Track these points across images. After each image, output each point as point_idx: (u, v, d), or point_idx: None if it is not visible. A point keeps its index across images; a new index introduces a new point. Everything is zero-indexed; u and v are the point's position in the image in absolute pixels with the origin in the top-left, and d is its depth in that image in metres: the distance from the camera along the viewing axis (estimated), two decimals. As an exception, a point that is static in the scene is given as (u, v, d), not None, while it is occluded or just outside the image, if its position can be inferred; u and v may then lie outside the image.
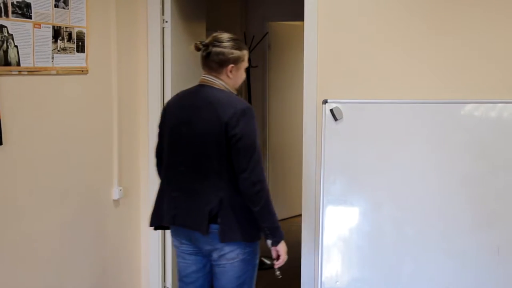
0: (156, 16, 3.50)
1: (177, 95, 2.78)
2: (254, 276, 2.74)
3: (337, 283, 3.08)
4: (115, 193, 3.32)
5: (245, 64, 2.61)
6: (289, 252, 3.25)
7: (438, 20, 2.99)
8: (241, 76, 2.63)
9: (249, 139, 2.50)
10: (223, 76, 2.60)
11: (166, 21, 3.53)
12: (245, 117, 2.50)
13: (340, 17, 3.13)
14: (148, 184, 3.58)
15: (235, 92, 2.63)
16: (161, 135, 2.74)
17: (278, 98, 6.32)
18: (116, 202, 3.37)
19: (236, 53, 2.61)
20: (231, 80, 2.61)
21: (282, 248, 2.65)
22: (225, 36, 2.66)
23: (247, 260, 2.64)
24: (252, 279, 2.73)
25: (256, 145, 2.51)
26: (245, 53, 2.61)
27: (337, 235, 3.08)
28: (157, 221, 2.69)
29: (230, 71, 2.59)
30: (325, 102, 3.06)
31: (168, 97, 3.57)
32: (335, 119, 3.04)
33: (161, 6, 3.51)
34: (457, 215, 2.94)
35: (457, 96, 2.98)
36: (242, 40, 2.68)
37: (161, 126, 2.73)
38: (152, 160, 3.56)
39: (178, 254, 2.72)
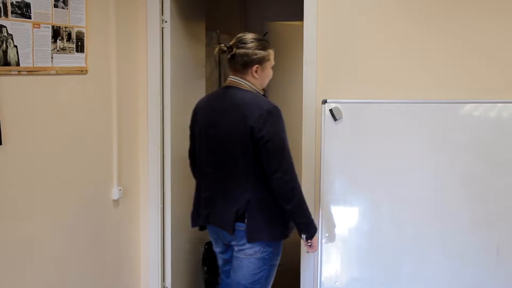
0: (156, 16, 3.50)
1: (206, 96, 2.88)
2: (270, 276, 2.78)
3: (336, 283, 3.08)
4: (115, 193, 3.33)
5: (270, 63, 2.68)
6: (288, 252, 3.25)
7: (437, 20, 2.99)
8: (268, 75, 2.70)
9: (278, 139, 2.54)
10: (249, 77, 2.65)
11: (166, 21, 3.53)
12: (271, 117, 2.56)
13: (340, 17, 3.13)
14: (148, 184, 3.58)
15: (262, 92, 2.67)
16: (192, 137, 2.86)
17: (277, 98, 6.30)
18: (116, 202, 3.37)
19: (260, 53, 2.64)
20: (258, 80, 2.66)
21: (315, 241, 2.73)
22: (248, 36, 2.69)
23: (265, 259, 2.70)
24: (268, 279, 2.77)
25: (285, 145, 2.56)
26: (270, 52, 2.67)
27: (337, 235, 3.08)
28: (195, 222, 2.86)
29: (256, 71, 2.64)
30: (324, 102, 3.06)
31: (167, 97, 3.57)
32: (335, 119, 3.04)
33: (161, 6, 3.50)
34: (456, 215, 2.95)
35: (457, 96, 2.98)
36: (267, 39, 2.72)
37: (192, 127, 2.85)
38: (151, 160, 3.57)
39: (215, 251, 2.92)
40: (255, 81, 2.67)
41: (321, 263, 3.09)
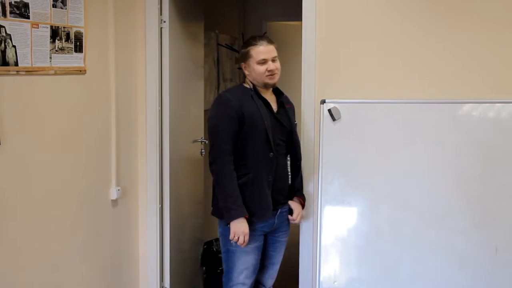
0: (154, 16, 3.49)
1: None
2: (227, 260, 2.93)
3: (335, 283, 3.08)
4: (113, 193, 3.32)
5: (254, 59, 2.86)
6: (287, 252, 3.25)
7: (436, 20, 2.99)
8: (255, 70, 2.87)
9: (211, 123, 2.86)
10: (246, 74, 2.94)
11: (164, 21, 3.53)
12: (214, 103, 2.91)
13: (338, 17, 3.13)
14: (147, 184, 3.58)
15: (262, 85, 2.92)
16: None
17: (276, 98, 6.31)
18: (115, 202, 3.37)
19: (242, 52, 2.93)
20: (250, 75, 2.92)
21: (232, 228, 2.79)
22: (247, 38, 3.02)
23: (221, 238, 2.94)
24: (226, 263, 2.94)
25: (216, 129, 2.84)
26: (250, 49, 2.87)
27: (335, 235, 3.08)
28: None
29: (245, 68, 2.92)
30: (323, 102, 3.06)
31: (166, 96, 3.57)
32: (333, 119, 3.05)
33: (159, 6, 3.50)
34: (455, 215, 2.95)
35: (455, 96, 2.99)
36: (255, 38, 2.93)
37: None
38: (150, 160, 3.57)
39: None
40: (249, 76, 2.93)
41: (320, 263, 3.09)
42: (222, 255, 2.99)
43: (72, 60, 2.96)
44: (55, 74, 2.85)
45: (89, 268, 3.18)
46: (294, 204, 3.04)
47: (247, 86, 2.93)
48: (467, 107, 2.95)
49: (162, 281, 3.69)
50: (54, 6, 2.80)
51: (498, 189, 2.91)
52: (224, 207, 2.80)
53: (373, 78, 3.09)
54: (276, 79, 2.92)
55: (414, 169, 2.98)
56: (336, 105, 3.05)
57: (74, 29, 2.95)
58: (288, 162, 3.07)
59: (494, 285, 2.93)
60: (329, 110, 3.04)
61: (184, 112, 3.84)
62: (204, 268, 4.29)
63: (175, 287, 3.76)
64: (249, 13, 6.17)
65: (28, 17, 2.64)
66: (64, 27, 2.88)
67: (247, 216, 2.78)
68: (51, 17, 2.78)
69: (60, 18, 2.84)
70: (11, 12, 2.54)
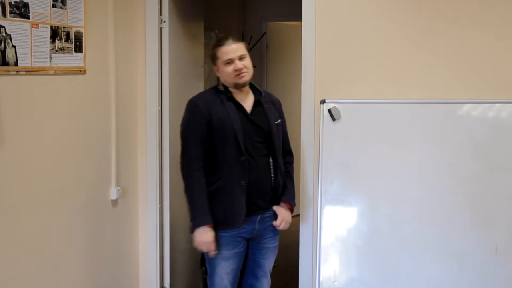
0: (154, 16, 3.49)
1: None
2: (209, 262, 2.90)
3: (335, 283, 3.08)
4: (113, 193, 3.32)
5: (221, 60, 2.80)
6: (287, 252, 3.25)
7: (436, 20, 2.99)
8: (223, 71, 2.81)
9: (181, 128, 2.87)
10: (218, 76, 2.91)
11: (164, 21, 3.53)
12: (185, 108, 2.88)
13: (338, 17, 3.13)
14: (146, 184, 3.58)
15: (232, 86, 2.84)
16: None
17: (276, 98, 6.31)
18: (114, 202, 3.37)
19: (211, 55, 2.89)
20: (221, 77, 2.88)
21: (195, 238, 2.78)
22: None
23: None
24: (209, 265, 2.91)
25: (184, 135, 2.83)
26: (215, 51, 2.83)
27: (335, 235, 3.08)
28: None
29: (217, 71, 2.89)
30: (323, 102, 3.06)
31: (165, 96, 3.56)
32: (333, 119, 3.05)
33: (159, 6, 3.50)
34: (455, 215, 2.95)
35: (455, 96, 2.99)
36: (220, 39, 2.89)
37: None
38: (150, 160, 3.57)
39: None
40: (220, 78, 2.89)
41: (320, 263, 3.09)
42: (206, 258, 2.94)
43: (72, 60, 2.96)
44: (55, 74, 2.85)
45: (89, 268, 3.18)
46: (278, 209, 2.90)
47: (221, 88, 2.86)
48: (467, 107, 2.95)
49: (162, 281, 3.69)
50: (54, 6, 2.80)
51: (498, 189, 2.91)
52: (190, 215, 2.78)
53: (373, 78, 3.09)
54: (246, 77, 2.80)
55: (414, 169, 2.98)
56: (336, 105, 3.05)
57: (74, 29, 2.95)
58: (273, 164, 2.89)
59: (494, 285, 2.93)
60: (329, 110, 3.04)
61: (183, 112, 3.84)
62: (204, 268, 4.28)
63: (175, 287, 3.76)
64: (249, 13, 6.18)
65: (28, 17, 2.64)
66: (64, 27, 2.88)
67: (211, 225, 2.73)
68: (51, 17, 2.78)
69: (60, 18, 2.84)
70: (11, 12, 2.54)
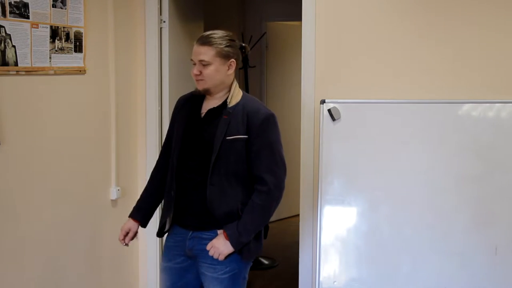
0: (154, 16, 3.49)
1: None
2: None
3: (335, 283, 3.08)
4: (113, 193, 3.32)
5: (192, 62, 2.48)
6: (287, 252, 3.24)
7: (436, 20, 2.99)
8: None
9: None
10: None
11: (164, 21, 3.53)
12: None
13: (338, 17, 3.13)
14: (146, 184, 3.58)
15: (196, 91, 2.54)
16: None
17: (276, 98, 6.32)
18: (114, 202, 3.37)
19: None
20: None
21: None
22: None
23: None
24: None
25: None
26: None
27: (335, 235, 3.08)
28: None
29: None
30: (323, 102, 3.06)
31: (165, 96, 3.56)
32: (333, 119, 3.04)
33: (159, 6, 3.50)
34: (455, 215, 2.95)
35: (455, 96, 2.99)
36: (201, 35, 2.50)
37: None
38: (150, 160, 3.57)
39: None
40: None
41: (320, 263, 3.09)
42: None
43: (72, 60, 2.96)
44: (55, 74, 2.85)
45: (89, 268, 3.18)
46: (217, 236, 2.43)
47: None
48: (467, 107, 2.95)
49: (162, 281, 3.68)
50: (54, 6, 2.80)
51: (498, 189, 2.90)
52: None
53: (373, 78, 3.09)
54: (202, 86, 2.42)
55: (414, 169, 2.98)
56: (335, 105, 3.05)
57: (74, 29, 2.95)
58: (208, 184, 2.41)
59: (494, 285, 2.93)
60: (329, 110, 3.04)
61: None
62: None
63: None
64: (249, 13, 6.18)
65: (28, 17, 2.64)
66: (64, 27, 2.88)
67: (135, 220, 2.61)
68: (50, 17, 2.78)
69: (60, 18, 2.84)
70: (11, 12, 2.54)
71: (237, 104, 2.44)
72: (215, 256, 2.39)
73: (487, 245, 2.92)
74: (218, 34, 2.41)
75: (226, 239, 2.37)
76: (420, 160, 2.97)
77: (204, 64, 2.39)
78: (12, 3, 2.54)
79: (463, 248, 2.94)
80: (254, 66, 5.51)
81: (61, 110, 2.90)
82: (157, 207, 2.66)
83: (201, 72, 2.40)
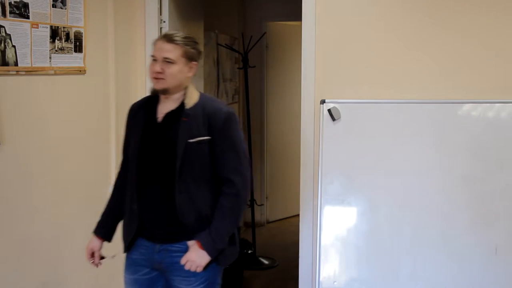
0: (154, 16, 3.50)
1: None
2: None
3: (335, 283, 3.08)
4: (113, 193, 3.32)
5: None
6: (287, 252, 3.24)
7: (436, 20, 3.00)
8: None
9: None
10: None
11: (164, 21, 3.53)
12: None
13: (338, 17, 3.13)
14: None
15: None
16: None
17: (276, 98, 6.32)
18: (114, 202, 3.36)
19: None
20: None
21: None
22: None
23: None
24: None
25: None
26: None
27: (335, 235, 3.08)
28: None
29: None
30: (323, 102, 3.06)
31: (166, 97, 3.57)
32: (333, 119, 3.05)
33: (159, 6, 3.51)
34: (455, 215, 2.95)
35: (455, 96, 2.99)
36: (165, 33, 2.44)
37: None
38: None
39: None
40: None
41: (320, 263, 3.09)
42: None
43: (72, 60, 2.96)
44: (55, 74, 2.85)
45: (88, 268, 3.18)
46: (190, 247, 2.31)
47: (152, 91, 2.45)
48: (467, 107, 2.95)
49: (162, 281, 3.68)
50: (54, 6, 2.80)
51: (498, 189, 2.91)
52: None
53: (373, 78, 3.10)
54: (161, 85, 2.30)
55: (414, 169, 2.98)
56: (336, 105, 3.05)
57: (74, 29, 2.95)
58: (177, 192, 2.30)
59: (494, 285, 2.93)
60: (329, 110, 3.04)
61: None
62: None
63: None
64: (249, 13, 6.18)
65: (28, 17, 2.64)
66: (64, 27, 2.88)
67: (98, 237, 2.50)
68: (50, 17, 2.78)
69: (59, 18, 2.84)
70: (11, 12, 2.54)
71: (196, 105, 2.33)
72: (193, 269, 2.28)
73: (487, 245, 2.92)
74: (184, 34, 2.35)
75: (201, 249, 2.27)
76: (420, 160, 2.97)
77: (168, 62, 2.29)
78: (12, 3, 2.54)
79: (463, 248, 2.94)
80: (254, 66, 5.51)
81: (61, 110, 2.90)
82: (120, 220, 2.50)
83: (163, 70, 2.28)
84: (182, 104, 2.33)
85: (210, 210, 2.31)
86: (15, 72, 2.59)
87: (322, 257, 3.09)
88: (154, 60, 2.30)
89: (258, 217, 5.84)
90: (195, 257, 2.27)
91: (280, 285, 4.51)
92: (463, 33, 2.97)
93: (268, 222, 6.28)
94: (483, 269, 2.93)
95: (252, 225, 5.13)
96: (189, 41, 2.34)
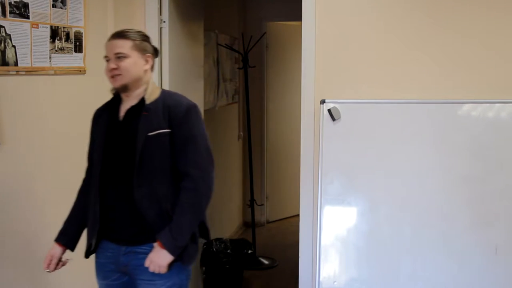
0: (154, 16, 3.49)
1: None
2: None
3: (335, 283, 3.08)
4: (113, 193, 3.32)
5: None
6: (287, 252, 3.24)
7: (436, 20, 2.99)
8: None
9: None
10: None
11: (164, 21, 3.53)
12: None
13: (338, 17, 3.13)
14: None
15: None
16: None
17: (276, 98, 6.32)
18: (114, 202, 3.36)
19: None
20: None
21: None
22: None
23: None
24: None
25: None
26: None
27: (335, 235, 3.08)
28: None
29: None
30: (323, 102, 3.06)
31: (166, 97, 3.56)
32: (333, 119, 3.05)
33: (159, 6, 3.50)
34: (455, 215, 2.95)
35: (455, 96, 2.99)
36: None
37: None
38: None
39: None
40: None
41: (320, 263, 3.09)
42: None
43: (72, 60, 2.96)
44: (55, 74, 2.85)
45: (87, 268, 3.18)
46: (154, 249, 2.26)
47: (113, 92, 2.45)
48: (467, 107, 2.95)
49: (162, 281, 3.68)
50: (54, 6, 2.80)
51: (498, 189, 2.91)
52: None
53: (373, 78, 3.09)
54: (119, 82, 2.30)
55: (414, 169, 2.98)
56: (336, 105, 3.05)
57: (74, 29, 2.95)
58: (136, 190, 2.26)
59: (494, 285, 2.93)
60: (329, 110, 3.04)
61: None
62: (204, 268, 4.29)
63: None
64: (249, 13, 6.18)
65: (28, 17, 2.64)
66: (63, 27, 2.88)
67: (59, 244, 2.42)
68: (50, 17, 2.78)
69: (59, 18, 2.85)
70: (11, 12, 2.54)
71: (157, 99, 2.32)
72: (156, 271, 2.22)
73: (487, 245, 2.92)
74: (132, 29, 2.35)
75: (162, 248, 2.21)
76: (420, 160, 2.97)
77: (121, 57, 2.28)
78: (12, 3, 2.54)
79: (463, 248, 2.94)
80: (254, 66, 5.51)
81: (61, 110, 2.90)
82: (85, 227, 2.43)
83: (118, 66, 2.27)
84: (142, 100, 2.31)
85: (171, 205, 2.26)
86: (15, 72, 2.59)
87: (322, 257, 3.09)
88: (108, 60, 2.30)
89: (258, 217, 5.84)
90: (156, 258, 2.22)
91: (280, 285, 4.51)
92: (463, 33, 2.97)
93: (268, 222, 6.28)
94: (483, 269, 2.93)
95: (252, 225, 5.13)
96: (138, 34, 2.34)
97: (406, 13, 3.03)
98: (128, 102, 2.35)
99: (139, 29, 2.38)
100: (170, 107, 2.29)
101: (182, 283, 2.35)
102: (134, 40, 2.30)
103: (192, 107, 2.32)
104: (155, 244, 2.24)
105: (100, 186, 2.31)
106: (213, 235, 4.59)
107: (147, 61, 2.34)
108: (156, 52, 2.43)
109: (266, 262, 4.88)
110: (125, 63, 2.27)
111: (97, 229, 2.32)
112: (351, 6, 3.11)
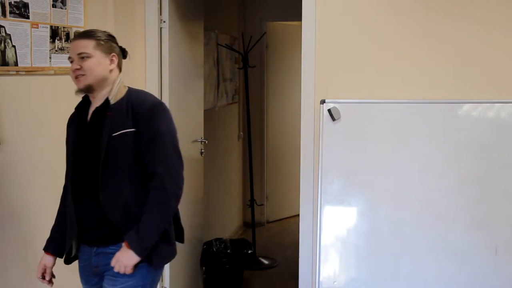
0: (154, 16, 3.49)
1: None
2: None
3: (335, 283, 3.08)
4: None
5: None
6: (287, 252, 3.24)
7: (436, 20, 2.99)
8: None
9: None
10: None
11: (164, 21, 3.53)
12: None
13: (338, 17, 3.13)
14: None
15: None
16: None
17: (276, 98, 6.33)
18: (114, 202, 3.36)
19: None
20: None
21: None
22: None
23: None
24: None
25: None
26: None
27: (335, 235, 3.08)
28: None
29: None
30: (323, 102, 3.06)
31: (165, 96, 3.56)
32: (333, 119, 3.05)
33: (159, 6, 3.50)
34: (455, 215, 2.95)
35: (455, 96, 2.99)
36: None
37: None
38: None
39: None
40: None
41: (320, 263, 3.09)
42: None
43: (72, 60, 2.96)
44: (55, 74, 2.85)
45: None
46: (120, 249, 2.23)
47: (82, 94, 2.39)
48: (466, 107, 2.95)
49: (162, 281, 3.68)
50: (53, 6, 2.80)
51: (498, 189, 2.91)
52: None
53: (373, 78, 3.10)
54: (83, 82, 2.24)
55: (414, 169, 2.98)
56: (336, 105, 3.05)
57: (74, 29, 2.95)
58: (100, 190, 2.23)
59: (493, 285, 2.93)
60: (329, 110, 3.04)
61: (183, 112, 3.84)
62: (204, 268, 4.29)
63: (175, 287, 3.76)
64: (249, 13, 6.18)
65: (28, 17, 2.64)
66: (63, 27, 2.88)
67: (48, 253, 2.41)
68: (50, 17, 2.78)
69: (59, 18, 2.84)
70: (11, 12, 2.54)
71: (121, 99, 2.28)
72: (121, 271, 2.19)
73: (487, 245, 2.92)
74: (95, 30, 2.33)
75: (128, 248, 2.17)
76: (420, 160, 2.97)
77: (84, 57, 2.23)
78: (12, 3, 2.54)
79: (463, 248, 2.94)
80: (254, 66, 5.51)
81: (61, 110, 2.90)
82: None
83: (81, 66, 2.22)
84: (107, 100, 2.28)
85: (139, 206, 2.21)
86: (15, 72, 2.59)
87: (322, 257, 3.09)
88: (72, 61, 2.26)
89: (258, 217, 5.84)
90: (122, 257, 2.19)
91: (280, 285, 4.51)
92: (463, 33, 2.97)
93: (268, 222, 6.28)
94: (483, 269, 2.93)
95: (252, 225, 5.14)
96: (102, 33, 2.30)
97: (406, 13, 3.03)
98: (95, 103, 2.31)
99: (104, 30, 2.35)
100: (133, 105, 2.25)
101: (144, 285, 2.28)
102: (97, 39, 2.26)
103: (157, 104, 2.29)
104: (123, 244, 2.21)
105: (73, 190, 2.30)
106: (213, 235, 4.60)
107: (112, 61, 2.29)
108: (123, 53, 2.39)
109: (266, 262, 4.88)
110: (88, 63, 2.22)
111: (74, 233, 2.30)
112: (351, 6, 3.11)
